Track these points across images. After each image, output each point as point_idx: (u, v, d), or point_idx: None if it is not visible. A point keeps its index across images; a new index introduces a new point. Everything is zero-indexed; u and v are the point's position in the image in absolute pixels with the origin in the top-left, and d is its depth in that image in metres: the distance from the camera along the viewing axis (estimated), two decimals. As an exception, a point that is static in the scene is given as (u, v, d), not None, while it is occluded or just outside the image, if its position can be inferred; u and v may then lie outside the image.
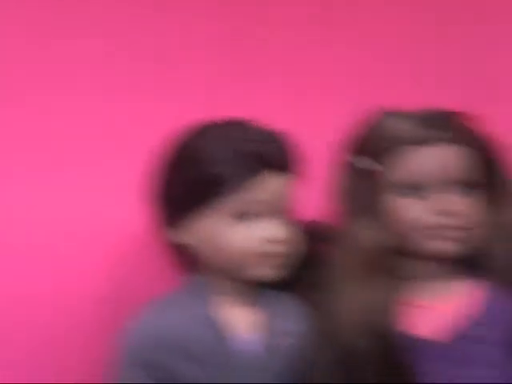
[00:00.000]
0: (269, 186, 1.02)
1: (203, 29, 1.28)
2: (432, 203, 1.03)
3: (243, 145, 1.02)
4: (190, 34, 1.28)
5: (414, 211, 1.03)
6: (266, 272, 1.03)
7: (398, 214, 1.04)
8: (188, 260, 1.06)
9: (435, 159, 1.03)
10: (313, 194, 1.09)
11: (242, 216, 1.01)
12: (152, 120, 1.23)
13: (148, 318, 1.02)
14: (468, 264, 1.07)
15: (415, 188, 1.03)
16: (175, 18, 1.27)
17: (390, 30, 1.31)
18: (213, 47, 1.28)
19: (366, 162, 1.05)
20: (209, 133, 1.04)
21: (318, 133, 1.19)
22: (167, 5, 1.27)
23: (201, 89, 1.26)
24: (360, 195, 1.05)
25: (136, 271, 1.20)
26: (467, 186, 1.04)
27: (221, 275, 1.04)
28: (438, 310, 1.04)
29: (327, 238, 1.08)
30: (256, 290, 1.05)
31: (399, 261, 1.05)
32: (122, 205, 1.19)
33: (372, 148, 1.05)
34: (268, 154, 1.02)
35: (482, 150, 1.05)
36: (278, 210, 1.03)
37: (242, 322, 1.03)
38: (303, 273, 1.07)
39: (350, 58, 1.29)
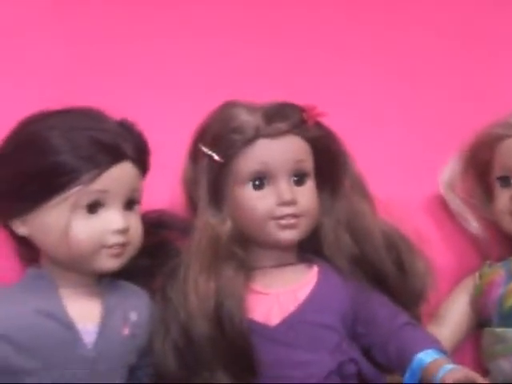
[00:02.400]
0: (115, 175, 1.01)
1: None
2: (271, 194, 1.07)
3: (88, 134, 1.00)
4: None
5: (258, 203, 1.07)
6: (110, 263, 1.02)
7: (242, 205, 1.08)
8: (31, 252, 1.05)
9: (274, 151, 1.07)
10: (164, 184, 1.11)
11: (87, 207, 1.00)
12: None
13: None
14: (302, 249, 1.12)
15: (257, 179, 1.07)
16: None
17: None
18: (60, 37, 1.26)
19: (210, 154, 1.07)
20: (52, 120, 1.01)
21: (170, 123, 1.20)
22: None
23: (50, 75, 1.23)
24: (206, 186, 1.08)
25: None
26: (302, 175, 1.08)
27: (64, 267, 1.02)
28: (272, 295, 1.08)
29: (176, 228, 1.11)
30: (99, 280, 1.05)
31: (246, 250, 1.09)
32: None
33: (216, 140, 1.08)
34: (115, 143, 1.01)
35: (318, 142, 1.09)
36: (124, 200, 1.02)
37: (85, 314, 1.02)
38: (150, 262, 1.09)
39: (198, 52, 1.30)
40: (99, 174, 1.00)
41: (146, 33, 1.30)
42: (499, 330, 1.18)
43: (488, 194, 1.25)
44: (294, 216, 1.08)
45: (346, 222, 1.11)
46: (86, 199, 1.00)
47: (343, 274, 1.10)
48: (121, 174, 1.01)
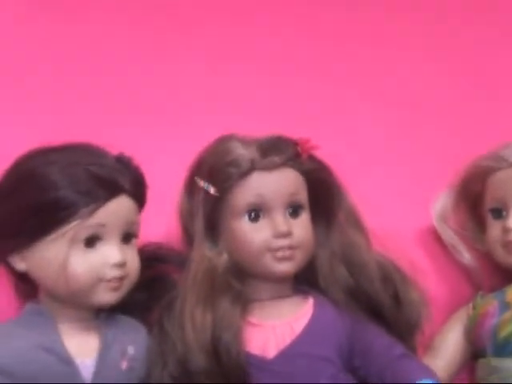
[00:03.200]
0: (113, 209, 1.02)
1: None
2: (267, 226, 1.08)
3: (86, 169, 1.01)
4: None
5: (253, 235, 1.08)
6: (108, 297, 1.03)
7: (238, 238, 1.09)
8: (29, 288, 1.06)
9: (269, 183, 1.08)
10: (161, 217, 1.12)
11: (85, 241, 1.01)
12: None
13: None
14: (297, 281, 1.13)
15: (252, 212, 1.08)
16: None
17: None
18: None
19: (207, 187, 1.08)
20: (50, 156, 1.03)
21: (167, 157, 1.22)
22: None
23: (48, 111, 1.25)
24: (202, 219, 1.09)
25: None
26: (297, 207, 1.10)
27: (62, 302, 1.03)
28: (269, 327, 1.08)
29: (173, 261, 1.12)
30: (97, 315, 1.05)
31: (242, 282, 1.09)
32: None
33: (212, 173, 1.09)
34: (113, 177, 1.02)
35: (312, 175, 1.11)
36: (122, 234, 1.03)
37: (83, 349, 1.03)
38: (147, 295, 1.10)
39: (194, 87, 1.31)
40: (97, 208, 1.01)
41: (142, 69, 1.32)
42: (494, 360, 1.18)
43: (480, 226, 1.26)
44: (290, 248, 1.08)
45: (341, 253, 1.12)
46: (84, 233, 1.01)
47: (339, 305, 1.11)
48: (118, 207, 1.02)
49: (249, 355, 1.06)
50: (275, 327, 1.09)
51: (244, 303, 1.08)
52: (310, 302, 1.12)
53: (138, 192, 1.05)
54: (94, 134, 1.08)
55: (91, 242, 1.01)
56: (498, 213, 1.23)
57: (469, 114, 1.39)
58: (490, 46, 1.44)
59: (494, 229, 1.23)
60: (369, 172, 1.29)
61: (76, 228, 1.00)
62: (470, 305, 1.24)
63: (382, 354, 1.09)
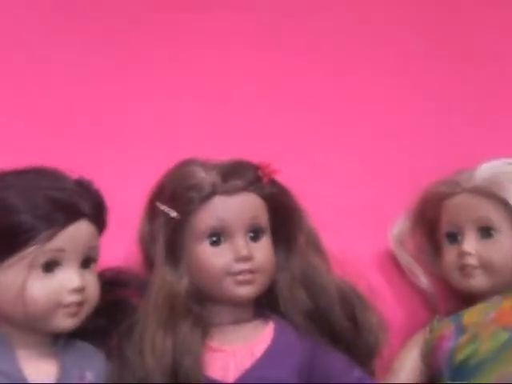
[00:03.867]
0: (72, 234, 1.01)
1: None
2: (228, 250, 1.08)
3: (45, 193, 1.00)
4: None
5: (215, 259, 1.08)
6: (66, 322, 1.02)
7: (199, 261, 1.09)
8: None
9: (231, 207, 1.09)
10: (120, 242, 1.12)
11: (43, 266, 1.00)
12: None
13: None
14: (258, 305, 1.13)
15: (214, 235, 1.09)
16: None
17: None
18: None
19: (168, 211, 1.08)
20: (8, 180, 1.02)
21: (127, 181, 1.21)
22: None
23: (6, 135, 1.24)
24: (163, 243, 1.09)
25: None
26: (258, 231, 1.10)
27: (20, 328, 1.02)
28: (229, 352, 1.08)
29: (133, 285, 1.11)
30: (55, 340, 1.04)
31: (203, 306, 1.09)
32: None
33: (173, 197, 1.09)
34: (72, 201, 1.01)
35: (273, 199, 1.11)
36: (81, 259, 1.02)
37: (41, 374, 1.01)
38: (106, 320, 1.09)
39: (155, 111, 1.31)
40: (56, 233, 1.00)
41: (103, 94, 1.32)
42: (450, 384, 1.19)
43: (437, 250, 1.28)
44: (251, 272, 1.09)
45: (301, 277, 1.12)
46: (43, 258, 1.00)
47: (299, 329, 1.11)
48: (78, 232, 1.02)
49: (209, 380, 1.05)
50: (236, 352, 1.09)
51: (204, 327, 1.08)
52: (271, 325, 1.11)
53: (99, 216, 1.05)
54: (54, 158, 1.07)
55: (50, 266, 1.00)
56: (454, 237, 1.25)
57: (427, 139, 1.40)
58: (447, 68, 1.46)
59: (450, 253, 1.25)
60: (327, 195, 1.30)
61: (34, 253, 0.99)
62: (427, 328, 1.25)
63: (341, 377, 1.10)
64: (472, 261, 1.22)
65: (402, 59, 1.45)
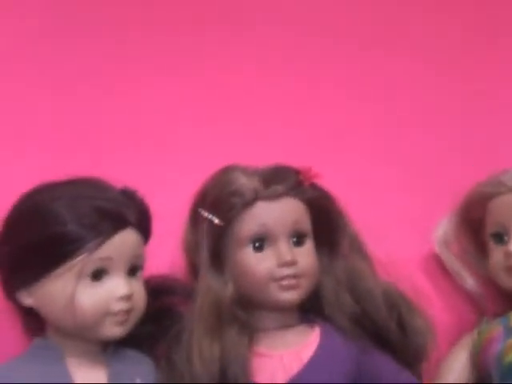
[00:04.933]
0: (119, 243, 1.02)
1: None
2: (271, 255, 1.08)
3: (91, 203, 1.01)
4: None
5: (258, 265, 1.08)
6: (115, 330, 1.03)
7: (243, 268, 1.09)
8: (36, 323, 1.06)
9: (273, 213, 1.09)
10: (165, 249, 1.12)
11: (92, 275, 1.01)
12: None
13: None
14: (303, 310, 1.13)
15: (257, 241, 1.09)
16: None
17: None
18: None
19: (210, 217, 1.09)
20: (56, 191, 1.03)
21: (170, 189, 1.22)
22: None
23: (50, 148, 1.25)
24: (207, 250, 1.09)
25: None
26: (301, 236, 1.10)
27: (69, 336, 1.03)
28: (276, 357, 1.09)
29: (179, 293, 1.12)
30: (104, 348, 1.05)
31: (248, 312, 1.09)
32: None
33: (216, 203, 1.09)
34: (118, 211, 1.02)
35: (315, 203, 1.11)
36: (128, 267, 1.03)
37: (91, 382, 1.02)
38: (153, 328, 1.10)
39: (196, 119, 1.32)
40: (103, 242, 1.01)
41: (142, 102, 1.32)
42: (499, 386, 1.18)
43: (482, 251, 1.27)
44: (295, 277, 1.09)
45: (345, 281, 1.12)
46: (91, 267, 1.01)
47: (345, 333, 1.11)
48: (124, 241, 1.03)
49: None
50: (282, 357, 1.09)
51: (250, 333, 1.08)
52: (317, 330, 1.12)
53: (144, 225, 1.06)
54: (97, 168, 1.09)
55: (98, 275, 1.02)
56: (500, 238, 1.24)
57: (470, 139, 1.40)
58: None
59: (496, 254, 1.24)
60: (370, 199, 1.30)
61: (82, 262, 1.00)
62: (475, 330, 1.24)
63: (390, 381, 1.09)
64: None
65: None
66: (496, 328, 1.21)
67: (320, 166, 1.11)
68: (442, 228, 1.29)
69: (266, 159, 1.13)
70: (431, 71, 1.43)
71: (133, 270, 1.05)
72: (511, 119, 1.41)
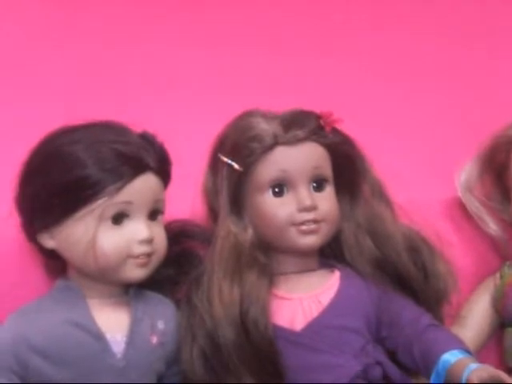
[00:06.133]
0: (139, 187, 1.02)
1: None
2: (291, 200, 1.08)
3: (111, 147, 1.02)
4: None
5: (278, 209, 1.08)
6: (136, 273, 1.04)
7: (263, 213, 1.09)
8: (59, 265, 1.07)
9: (293, 158, 1.08)
10: (185, 194, 1.12)
11: (112, 218, 1.02)
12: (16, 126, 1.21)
13: (17, 324, 1.02)
14: (323, 255, 1.13)
15: (276, 186, 1.09)
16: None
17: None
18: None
19: (230, 162, 1.09)
20: (75, 135, 1.03)
21: (190, 134, 1.22)
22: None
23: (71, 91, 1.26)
24: (227, 195, 1.10)
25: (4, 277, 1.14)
26: (321, 181, 1.10)
27: (91, 278, 1.04)
28: (296, 300, 1.09)
29: (199, 237, 1.13)
30: (126, 290, 1.06)
31: (268, 256, 1.10)
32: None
33: (235, 148, 1.09)
34: (138, 155, 1.02)
35: (336, 148, 1.11)
36: (148, 211, 1.04)
37: (113, 324, 1.04)
38: (174, 271, 1.11)
39: (216, 63, 1.31)
40: (123, 186, 1.02)
41: (164, 47, 1.33)
42: (521, 329, 1.18)
43: (506, 196, 1.26)
44: (315, 221, 1.09)
45: (366, 226, 1.12)
46: (111, 211, 1.02)
47: (365, 277, 1.12)
48: (144, 185, 1.03)
49: (276, 328, 1.07)
50: (302, 300, 1.10)
51: (270, 277, 1.09)
52: (337, 274, 1.12)
53: (163, 169, 1.06)
54: (117, 112, 1.09)
55: (118, 219, 1.03)
56: (524, 182, 1.23)
57: (492, 84, 1.38)
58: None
59: (520, 198, 1.23)
60: (392, 144, 1.29)
61: (103, 205, 1.01)
62: (497, 275, 1.24)
63: (410, 324, 1.10)
64: None
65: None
66: (519, 272, 1.21)
67: (341, 110, 1.11)
68: (465, 173, 1.28)
69: (285, 104, 1.12)
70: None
71: (153, 215, 1.05)
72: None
